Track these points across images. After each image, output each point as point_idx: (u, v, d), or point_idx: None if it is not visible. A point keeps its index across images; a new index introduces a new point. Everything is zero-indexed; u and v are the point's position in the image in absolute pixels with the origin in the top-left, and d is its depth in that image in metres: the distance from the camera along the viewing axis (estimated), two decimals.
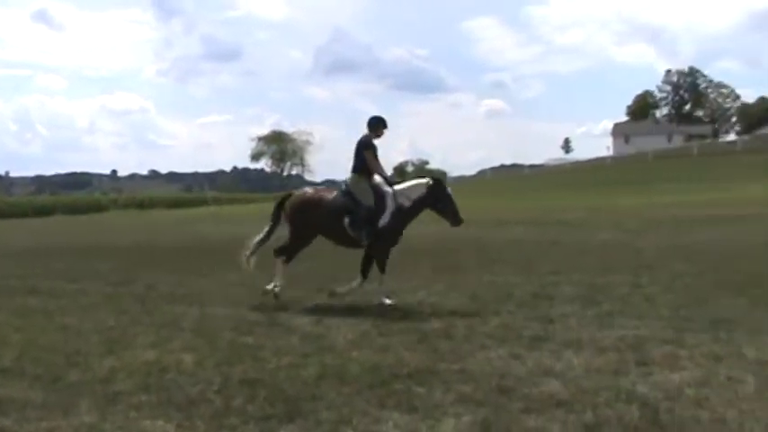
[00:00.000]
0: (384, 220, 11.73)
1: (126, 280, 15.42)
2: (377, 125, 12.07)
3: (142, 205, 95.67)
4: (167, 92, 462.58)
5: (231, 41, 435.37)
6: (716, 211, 33.74)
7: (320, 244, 12.54)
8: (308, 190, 12.72)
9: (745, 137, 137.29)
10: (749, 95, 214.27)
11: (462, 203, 12.03)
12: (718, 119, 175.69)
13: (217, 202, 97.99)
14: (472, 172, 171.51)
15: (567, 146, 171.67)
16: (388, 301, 11.55)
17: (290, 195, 12.62)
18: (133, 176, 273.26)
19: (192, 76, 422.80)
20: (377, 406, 6.37)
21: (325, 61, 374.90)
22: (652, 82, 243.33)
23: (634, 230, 25.60)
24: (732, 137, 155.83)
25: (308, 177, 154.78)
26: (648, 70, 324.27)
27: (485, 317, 10.13)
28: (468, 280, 13.56)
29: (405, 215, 11.94)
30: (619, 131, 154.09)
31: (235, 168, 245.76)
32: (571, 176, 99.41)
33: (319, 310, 11.11)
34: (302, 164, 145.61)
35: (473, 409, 6.20)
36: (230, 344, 8.94)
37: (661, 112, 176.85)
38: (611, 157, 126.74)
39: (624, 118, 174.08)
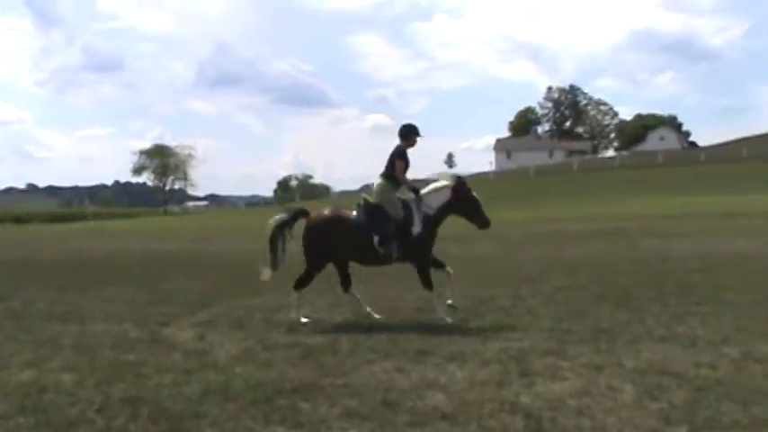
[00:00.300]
0: (416, 228, 11.26)
1: (1, 296, 14.93)
2: (408, 134, 11.59)
3: (19, 220, 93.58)
4: (46, 103, 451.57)
5: (113, 53, 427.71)
6: (596, 225, 34.51)
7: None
8: (326, 211, 11.78)
9: (624, 153, 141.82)
10: (627, 113, 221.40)
11: None
12: (598, 135, 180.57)
13: (97, 216, 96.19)
14: (356, 186, 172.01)
15: (450, 161, 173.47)
16: (446, 314, 11.04)
17: (300, 212, 11.94)
18: (9, 190, 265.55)
19: (73, 88, 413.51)
20: (261, 422, 6.31)
21: (208, 75, 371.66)
22: (534, 98, 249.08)
23: (516, 244, 25.98)
24: (611, 153, 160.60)
25: (190, 191, 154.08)
26: (530, 87, 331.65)
27: (369, 331, 10.12)
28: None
29: (432, 222, 11.46)
30: (501, 147, 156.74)
31: (116, 182, 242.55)
32: None
33: (202, 326, 10.94)
34: (185, 178, 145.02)
35: (358, 424, 6.19)
36: (111, 362, 8.73)
37: (542, 128, 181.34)
38: (494, 172, 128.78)
39: (506, 133, 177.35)
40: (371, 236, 11.16)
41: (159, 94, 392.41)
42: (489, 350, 8.72)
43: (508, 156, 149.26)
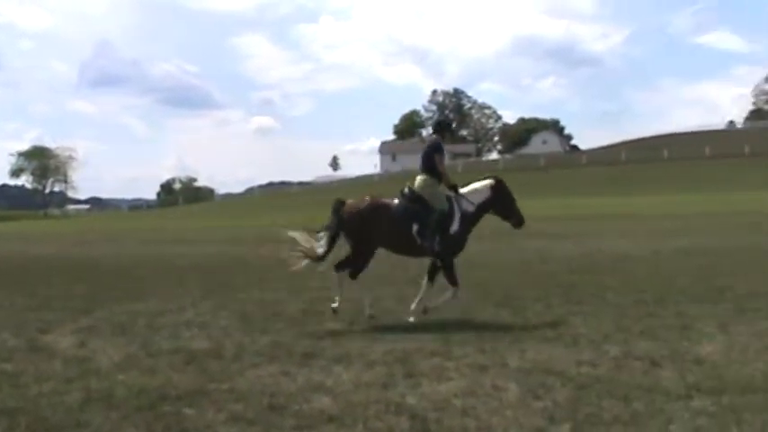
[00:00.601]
0: (454, 226, 11.31)
1: None
2: (443, 128, 11.93)
3: None
4: None
5: None
6: (480, 227, 34.82)
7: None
8: (367, 198, 11.63)
9: (507, 156, 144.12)
10: (510, 116, 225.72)
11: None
12: (482, 138, 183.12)
13: None
14: (240, 189, 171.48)
15: (335, 163, 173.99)
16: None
17: (344, 203, 11.63)
18: None
19: None
20: (145, 430, 6.19)
21: (90, 74, 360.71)
22: (419, 101, 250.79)
23: None
24: (495, 156, 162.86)
25: (71, 194, 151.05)
26: (415, 90, 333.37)
27: (254, 335, 10.03)
28: (238, 298, 13.43)
29: (469, 221, 11.56)
30: (386, 149, 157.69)
31: None
32: (339, 194, 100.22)
33: (83, 332, 10.67)
34: (65, 180, 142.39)
35: (244, 428, 6.13)
36: None
37: (427, 131, 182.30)
38: (379, 175, 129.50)
39: (391, 136, 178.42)
40: (411, 224, 11.16)
41: (38, 93, 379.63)
42: (374, 352, 8.74)
43: (393, 158, 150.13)
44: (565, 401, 6.58)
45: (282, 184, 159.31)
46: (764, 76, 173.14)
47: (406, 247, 11.50)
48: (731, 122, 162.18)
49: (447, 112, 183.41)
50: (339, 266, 11.49)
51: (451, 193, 11.43)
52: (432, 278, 11.52)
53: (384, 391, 7.06)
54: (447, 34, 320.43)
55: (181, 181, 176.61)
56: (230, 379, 7.71)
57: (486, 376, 7.53)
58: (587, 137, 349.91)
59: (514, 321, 10.59)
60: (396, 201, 11.46)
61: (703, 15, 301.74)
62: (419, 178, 11.47)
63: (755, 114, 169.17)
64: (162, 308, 12.25)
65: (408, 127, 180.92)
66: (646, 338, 9.16)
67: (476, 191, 11.61)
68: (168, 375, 7.93)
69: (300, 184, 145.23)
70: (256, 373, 7.97)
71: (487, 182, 11.76)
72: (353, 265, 11.46)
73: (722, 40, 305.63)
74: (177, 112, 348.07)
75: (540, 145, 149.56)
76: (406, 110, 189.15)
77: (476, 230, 11.82)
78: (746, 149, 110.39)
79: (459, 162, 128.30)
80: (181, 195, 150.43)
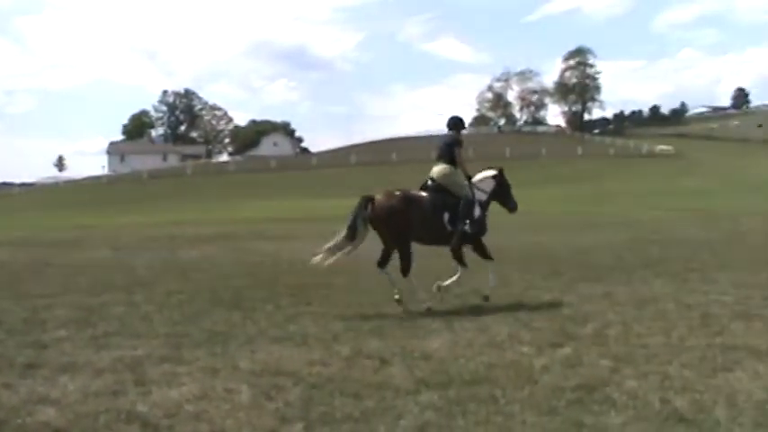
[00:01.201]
0: (476, 212, 12.04)
1: None
2: (456, 125, 12.52)
3: None
4: None
5: None
6: (209, 229, 34.74)
7: None
8: (396, 192, 11.87)
9: (238, 157, 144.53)
10: (242, 118, 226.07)
11: None
12: (212, 140, 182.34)
13: None
14: None
15: (60, 164, 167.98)
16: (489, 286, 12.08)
17: (372, 198, 11.80)
18: None
19: None
20: None
21: None
22: (149, 102, 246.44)
23: (129, 249, 25.55)
24: (225, 157, 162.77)
25: None
26: (145, 90, 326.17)
27: None
28: None
29: (484, 207, 12.32)
30: (114, 150, 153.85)
31: None
32: (65, 195, 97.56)
33: None
34: None
35: None
36: None
37: (157, 132, 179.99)
38: (107, 176, 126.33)
39: (120, 137, 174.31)
40: (443, 214, 11.82)
41: None
42: (102, 360, 8.49)
43: (122, 159, 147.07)
44: (297, 401, 6.67)
45: (4, 185, 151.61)
46: (488, 84, 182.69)
47: (437, 237, 12.10)
48: None
49: (178, 112, 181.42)
50: (381, 264, 12.08)
51: (467, 183, 12.15)
52: (462, 261, 12.37)
53: (113, 400, 6.87)
54: (180, 34, 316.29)
55: None
56: None
57: (218, 379, 7.50)
58: (318, 140, 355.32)
59: (244, 323, 10.61)
60: (423, 193, 12.06)
61: (432, 24, 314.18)
62: (438, 167, 12.19)
63: (479, 120, 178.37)
64: None
65: (137, 127, 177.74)
66: (375, 337, 9.45)
67: (484, 180, 12.54)
68: None
69: (23, 185, 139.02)
70: None
71: (492, 172, 12.69)
72: (401, 264, 11.70)
73: (450, 48, 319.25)
74: None
75: (270, 147, 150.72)
76: (136, 110, 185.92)
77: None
78: (471, 153, 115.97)
79: (189, 164, 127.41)
80: None
